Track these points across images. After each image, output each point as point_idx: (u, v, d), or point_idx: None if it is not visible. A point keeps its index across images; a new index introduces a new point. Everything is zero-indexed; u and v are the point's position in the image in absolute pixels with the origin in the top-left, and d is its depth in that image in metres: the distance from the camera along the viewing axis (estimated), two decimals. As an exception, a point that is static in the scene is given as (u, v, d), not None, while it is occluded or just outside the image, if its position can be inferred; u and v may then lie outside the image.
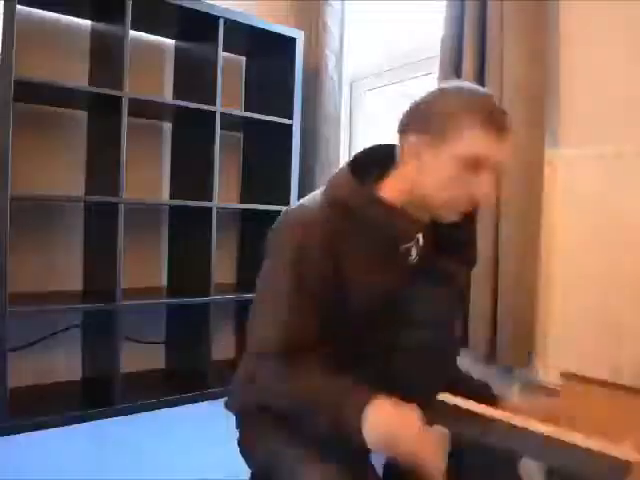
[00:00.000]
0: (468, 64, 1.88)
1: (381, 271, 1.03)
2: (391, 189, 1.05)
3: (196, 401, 1.43)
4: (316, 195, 1.08)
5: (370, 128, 2.75)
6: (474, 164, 0.98)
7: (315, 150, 2.60)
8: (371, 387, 0.93)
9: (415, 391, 0.95)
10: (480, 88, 1.05)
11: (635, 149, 1.57)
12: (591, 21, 1.72)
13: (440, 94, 1.03)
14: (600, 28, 1.70)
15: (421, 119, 1.02)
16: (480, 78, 1.86)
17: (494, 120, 0.97)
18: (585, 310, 1.66)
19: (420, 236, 1.06)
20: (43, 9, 2.11)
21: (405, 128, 1.05)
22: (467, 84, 1.06)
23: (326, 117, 2.58)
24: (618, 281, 1.59)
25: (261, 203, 2.44)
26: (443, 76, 1.96)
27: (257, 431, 1.10)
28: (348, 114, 2.76)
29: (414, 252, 1.06)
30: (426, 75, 2.37)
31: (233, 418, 1.14)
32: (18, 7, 1.79)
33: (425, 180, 1.02)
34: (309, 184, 2.58)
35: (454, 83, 1.06)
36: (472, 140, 0.97)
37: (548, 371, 1.76)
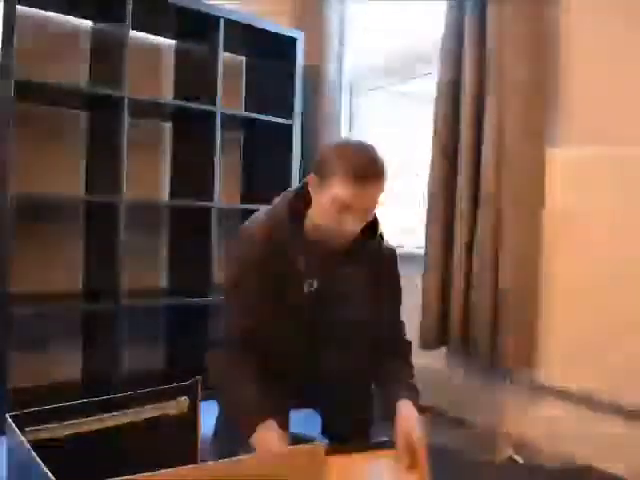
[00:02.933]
0: (468, 64, 1.88)
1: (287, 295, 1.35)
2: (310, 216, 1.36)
3: (206, 400, 1.42)
4: (261, 215, 1.41)
5: (370, 128, 2.75)
6: (342, 206, 1.24)
7: (315, 150, 2.59)
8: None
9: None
10: (363, 143, 1.31)
11: (635, 149, 1.57)
12: (591, 21, 1.72)
13: (331, 145, 1.35)
14: (600, 28, 1.70)
15: (316, 163, 1.32)
16: (480, 78, 1.86)
17: (358, 175, 1.22)
18: (586, 311, 1.66)
19: (314, 281, 1.37)
20: (43, 9, 2.11)
21: (311, 167, 1.34)
22: (356, 140, 1.36)
23: (326, 117, 2.58)
24: (619, 281, 1.59)
25: (261, 203, 2.41)
26: (443, 76, 1.96)
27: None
28: (348, 114, 2.76)
29: (315, 284, 1.37)
30: (426, 75, 2.37)
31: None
32: (18, 7, 1.79)
33: (314, 211, 1.33)
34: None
35: (348, 139, 1.39)
36: (338, 189, 1.24)
37: (549, 372, 1.76)
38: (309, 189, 1.33)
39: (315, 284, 1.37)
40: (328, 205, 1.26)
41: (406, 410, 1.32)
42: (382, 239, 1.46)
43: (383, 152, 1.30)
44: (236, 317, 1.36)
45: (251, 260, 1.34)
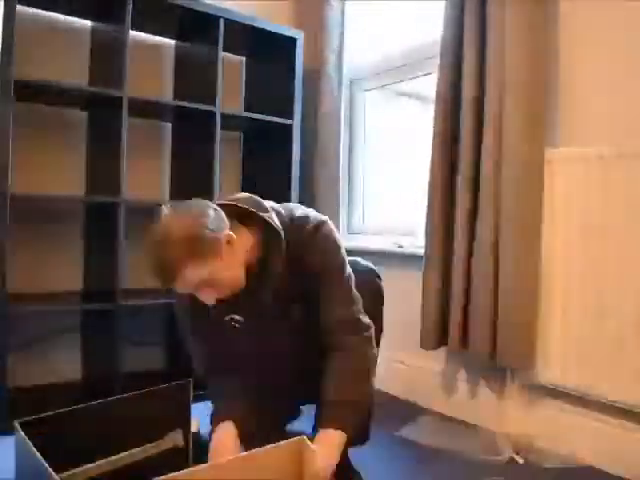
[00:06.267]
0: (468, 64, 1.88)
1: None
2: None
3: (196, 402, 1.42)
4: None
5: (370, 128, 2.75)
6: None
7: (315, 150, 2.60)
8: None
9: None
10: (154, 241, 1.20)
11: (635, 149, 1.57)
12: (591, 21, 1.72)
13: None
14: (600, 28, 1.70)
15: None
16: (480, 78, 1.86)
17: (159, 276, 1.19)
18: (586, 311, 1.66)
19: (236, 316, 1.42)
20: (43, 9, 2.11)
21: None
22: (151, 235, 1.21)
23: (326, 117, 2.58)
24: (618, 281, 1.59)
25: (261, 203, 2.43)
26: (443, 76, 1.96)
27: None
28: (348, 114, 2.76)
29: (237, 318, 1.41)
30: (426, 75, 2.37)
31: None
32: (18, 7, 1.79)
33: None
34: (309, 184, 2.58)
35: (151, 228, 1.22)
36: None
37: (549, 372, 1.76)
38: None
39: (237, 317, 1.41)
40: None
41: (322, 447, 1.18)
42: (281, 245, 1.32)
43: (175, 230, 1.17)
44: (196, 350, 1.49)
45: (184, 307, 1.44)
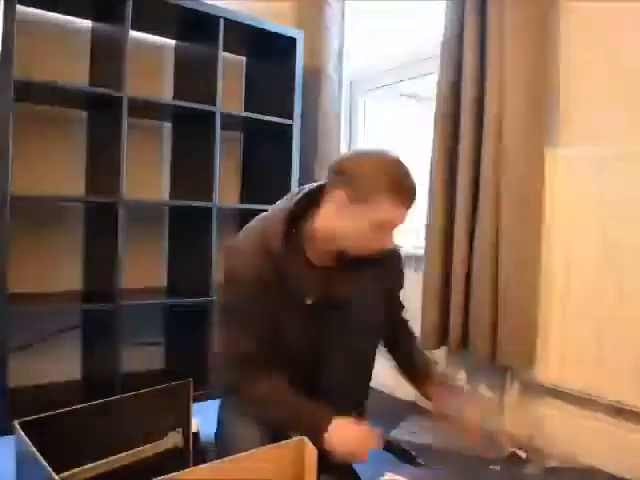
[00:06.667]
0: (468, 64, 1.88)
1: (291, 310, 1.30)
2: (312, 229, 1.30)
3: (196, 402, 1.43)
4: (252, 233, 1.31)
5: (370, 128, 2.75)
6: (382, 226, 1.22)
7: (315, 150, 2.60)
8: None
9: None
10: (397, 157, 1.25)
11: (635, 149, 1.57)
12: (591, 20, 1.72)
13: (367, 159, 1.23)
14: (600, 27, 1.70)
15: (348, 177, 1.22)
16: (480, 78, 1.86)
17: (408, 197, 1.21)
18: (586, 311, 1.67)
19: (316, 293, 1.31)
20: (43, 9, 2.11)
21: (333, 179, 1.27)
22: (388, 153, 1.25)
23: (326, 117, 2.58)
24: (617, 281, 1.59)
25: (261, 203, 2.43)
26: (443, 76, 1.96)
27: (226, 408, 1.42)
28: (348, 114, 2.76)
29: (310, 300, 1.31)
30: (426, 75, 2.38)
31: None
32: (18, 7, 1.79)
33: (339, 227, 1.25)
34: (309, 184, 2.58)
35: (379, 151, 1.27)
36: (387, 213, 1.20)
37: (548, 372, 1.76)
38: (330, 204, 1.25)
39: (317, 295, 1.31)
40: (370, 226, 1.21)
41: (468, 403, 1.43)
42: None
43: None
44: (240, 336, 1.30)
45: (247, 280, 1.26)
